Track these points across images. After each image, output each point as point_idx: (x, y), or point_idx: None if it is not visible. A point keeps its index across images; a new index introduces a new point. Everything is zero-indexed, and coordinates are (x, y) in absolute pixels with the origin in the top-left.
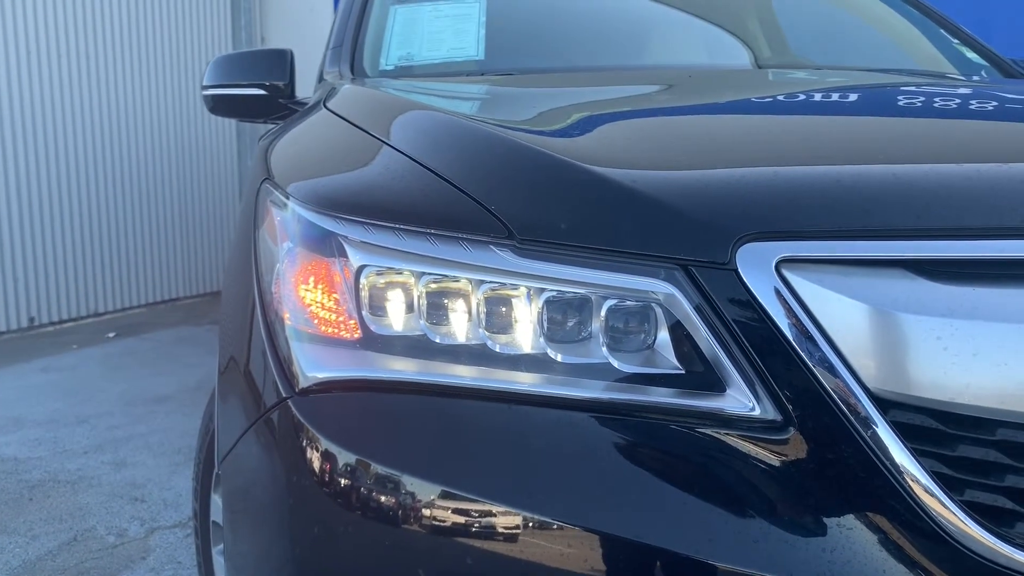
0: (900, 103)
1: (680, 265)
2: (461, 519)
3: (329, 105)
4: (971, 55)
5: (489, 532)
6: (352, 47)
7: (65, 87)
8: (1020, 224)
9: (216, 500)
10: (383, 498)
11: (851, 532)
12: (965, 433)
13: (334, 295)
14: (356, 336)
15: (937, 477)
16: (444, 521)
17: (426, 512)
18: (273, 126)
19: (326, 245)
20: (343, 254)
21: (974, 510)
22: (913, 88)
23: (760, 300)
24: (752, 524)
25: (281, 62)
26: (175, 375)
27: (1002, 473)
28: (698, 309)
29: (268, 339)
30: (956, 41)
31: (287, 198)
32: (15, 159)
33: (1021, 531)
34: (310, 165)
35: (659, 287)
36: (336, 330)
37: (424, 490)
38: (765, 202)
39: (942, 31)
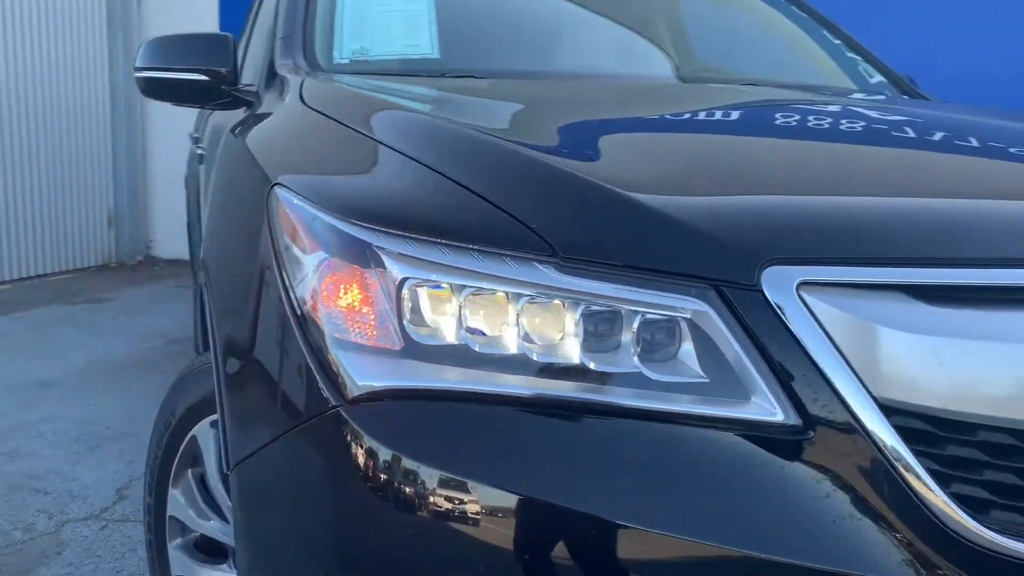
0: (868, 128)
1: (712, 285)
2: (519, 519)
3: (316, 107)
4: (870, 70)
5: (542, 529)
6: (302, 37)
7: None
8: (1012, 255)
9: (176, 496)
10: (436, 500)
11: (860, 522)
12: (956, 436)
13: (374, 306)
14: (399, 346)
15: (932, 473)
16: (502, 524)
17: (483, 512)
18: (216, 112)
19: (364, 257)
20: (381, 265)
21: (961, 501)
22: (868, 111)
23: (783, 318)
24: (777, 516)
25: (223, 48)
26: (58, 358)
27: (983, 469)
28: (727, 324)
29: (306, 347)
30: (857, 56)
31: (314, 207)
32: None
33: (998, 517)
34: (329, 174)
35: (691, 304)
36: (378, 340)
37: (482, 492)
38: (787, 231)
39: (838, 42)
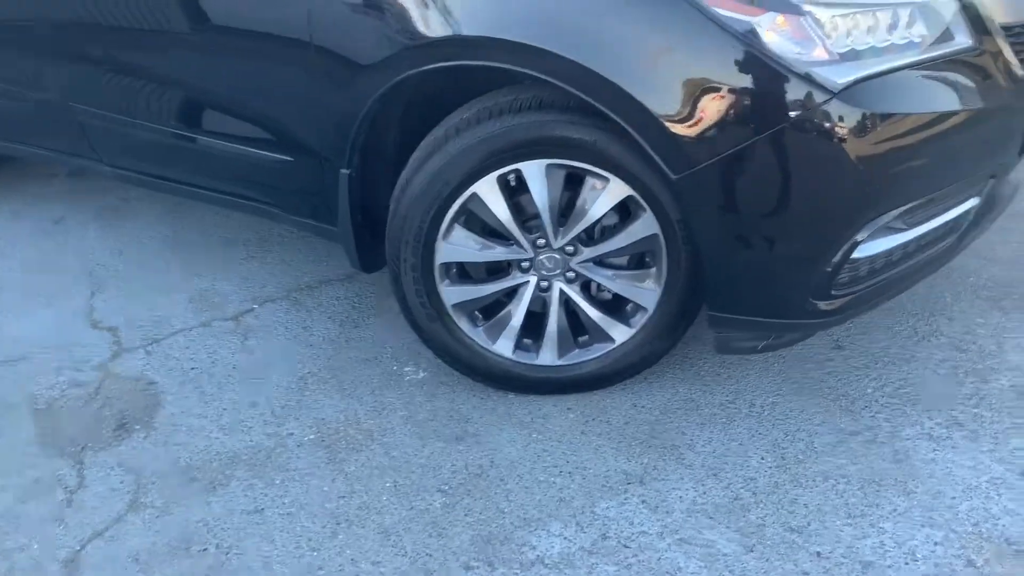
0: None
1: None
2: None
3: None
4: None
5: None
6: None
7: None
8: None
9: (446, 247)
10: (901, 127)
11: (993, 79)
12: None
13: (812, 38)
14: (836, 58)
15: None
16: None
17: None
18: None
19: (797, 9)
20: (802, 13)
21: None
22: None
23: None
24: (967, 89)
25: None
26: None
27: None
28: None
29: (783, 70)
30: None
31: None
32: None
33: None
34: None
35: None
36: (821, 56)
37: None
38: None
39: None
